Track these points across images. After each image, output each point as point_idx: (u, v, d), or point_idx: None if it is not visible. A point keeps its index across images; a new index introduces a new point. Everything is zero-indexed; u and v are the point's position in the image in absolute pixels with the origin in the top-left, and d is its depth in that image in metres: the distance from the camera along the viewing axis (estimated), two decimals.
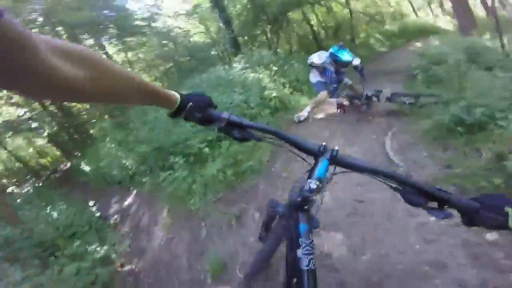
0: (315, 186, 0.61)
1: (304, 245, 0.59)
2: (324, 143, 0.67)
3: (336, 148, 0.66)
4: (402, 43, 8.64)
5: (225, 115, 0.70)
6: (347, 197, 2.01)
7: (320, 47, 8.99)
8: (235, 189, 2.58)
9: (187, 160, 2.99)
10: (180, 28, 8.43)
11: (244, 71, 4.84)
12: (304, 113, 3.75)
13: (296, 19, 9.73)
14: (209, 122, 0.71)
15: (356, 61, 3.23)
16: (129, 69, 0.66)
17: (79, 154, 6.71)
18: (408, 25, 10.36)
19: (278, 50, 8.25)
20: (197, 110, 0.68)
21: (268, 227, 1.10)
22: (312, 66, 3.53)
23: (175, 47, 7.51)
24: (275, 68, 5.17)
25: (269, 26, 8.55)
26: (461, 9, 5.54)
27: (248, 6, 8.04)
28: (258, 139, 0.73)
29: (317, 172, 0.64)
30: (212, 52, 8.41)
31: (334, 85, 3.37)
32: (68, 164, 7.92)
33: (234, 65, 5.27)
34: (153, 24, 7.45)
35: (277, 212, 0.84)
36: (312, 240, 0.61)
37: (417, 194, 0.58)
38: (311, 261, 0.57)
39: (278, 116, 4.19)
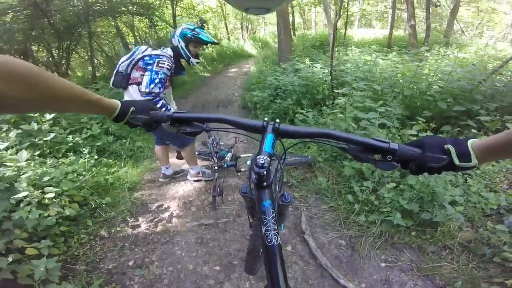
0: (263, 161, 0.58)
1: (266, 221, 0.58)
2: (266, 119, 0.68)
3: (277, 120, 0.68)
4: (221, 68, 8.94)
5: (169, 113, 0.71)
6: None
7: None
8: None
9: None
10: None
11: None
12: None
13: (106, 33, 7.55)
14: (155, 124, 0.72)
15: None
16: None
17: None
18: (224, 49, 11.05)
19: (69, 74, 5.93)
20: (140, 113, 0.70)
21: (252, 213, 1.00)
22: None
23: None
24: None
25: (56, 42, 5.87)
26: (283, 32, 5.82)
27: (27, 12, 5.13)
28: (207, 130, 0.75)
29: (264, 147, 0.63)
30: None
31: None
32: None
33: None
34: None
35: (250, 196, 0.82)
36: (274, 216, 0.59)
37: (362, 150, 0.61)
38: (274, 237, 0.55)
39: None
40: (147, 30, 8.96)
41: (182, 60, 2.00)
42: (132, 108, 0.68)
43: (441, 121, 2.70)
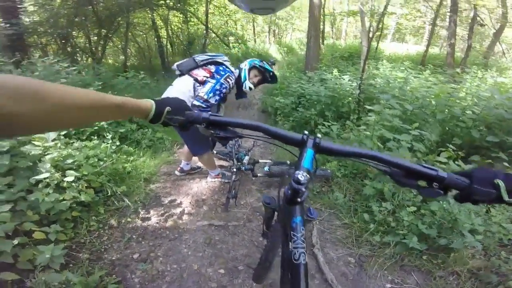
0: (302, 178, 0.55)
1: (295, 238, 0.57)
2: (306, 132, 0.65)
3: (319, 135, 0.65)
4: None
5: (205, 115, 0.69)
6: None
7: (164, 64, 7.68)
8: None
9: None
10: None
11: None
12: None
13: (142, 24, 7.85)
14: (190, 124, 0.70)
15: None
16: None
17: None
18: (249, 51, 11.12)
19: (103, 61, 6.18)
20: (176, 113, 0.67)
21: (268, 224, 1.01)
22: None
23: None
24: None
25: (96, 29, 6.15)
26: (313, 40, 5.69)
27: None
28: (241, 136, 0.74)
29: (303, 163, 0.60)
30: None
31: None
32: None
33: None
34: None
35: (273, 208, 0.81)
36: (303, 233, 0.58)
37: (405, 174, 0.59)
38: (302, 255, 0.54)
39: None
40: (180, 25, 9.20)
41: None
42: (167, 108, 0.66)
43: (470, 150, 2.54)
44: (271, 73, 2.14)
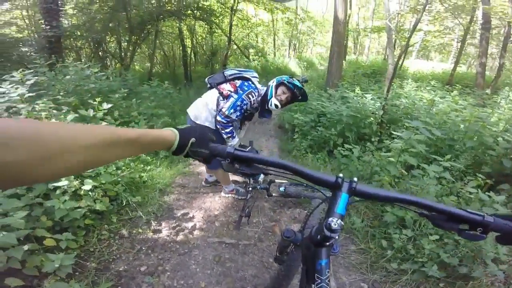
0: (336, 226, 0.53)
1: (319, 281, 0.56)
2: (341, 175, 0.61)
3: (355, 179, 0.60)
4: (263, 83, 9.00)
5: (230, 149, 0.65)
6: None
7: (187, 74, 7.90)
8: None
9: None
10: None
11: None
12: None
13: (169, 33, 8.18)
14: (213, 158, 0.67)
15: None
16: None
17: None
18: (268, 64, 11.19)
19: (130, 67, 6.40)
20: (201, 146, 0.64)
21: (282, 251, 0.98)
22: None
23: None
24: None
25: (128, 35, 6.42)
26: (336, 56, 5.62)
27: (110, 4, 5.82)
28: (266, 173, 0.71)
29: (337, 208, 0.57)
30: (24, 49, 5.41)
31: None
32: None
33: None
34: None
35: (293, 242, 0.80)
36: (328, 276, 0.57)
37: (447, 219, 0.57)
38: None
39: None
40: (204, 36, 9.49)
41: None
42: (192, 140, 0.62)
43: (499, 177, 2.37)
44: (302, 91, 2.01)
